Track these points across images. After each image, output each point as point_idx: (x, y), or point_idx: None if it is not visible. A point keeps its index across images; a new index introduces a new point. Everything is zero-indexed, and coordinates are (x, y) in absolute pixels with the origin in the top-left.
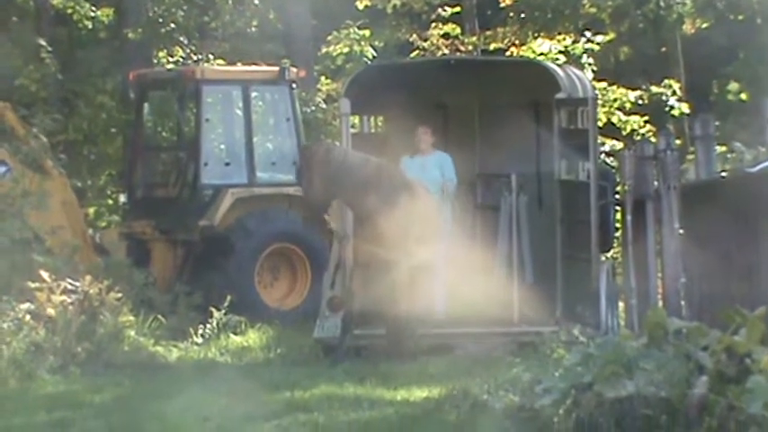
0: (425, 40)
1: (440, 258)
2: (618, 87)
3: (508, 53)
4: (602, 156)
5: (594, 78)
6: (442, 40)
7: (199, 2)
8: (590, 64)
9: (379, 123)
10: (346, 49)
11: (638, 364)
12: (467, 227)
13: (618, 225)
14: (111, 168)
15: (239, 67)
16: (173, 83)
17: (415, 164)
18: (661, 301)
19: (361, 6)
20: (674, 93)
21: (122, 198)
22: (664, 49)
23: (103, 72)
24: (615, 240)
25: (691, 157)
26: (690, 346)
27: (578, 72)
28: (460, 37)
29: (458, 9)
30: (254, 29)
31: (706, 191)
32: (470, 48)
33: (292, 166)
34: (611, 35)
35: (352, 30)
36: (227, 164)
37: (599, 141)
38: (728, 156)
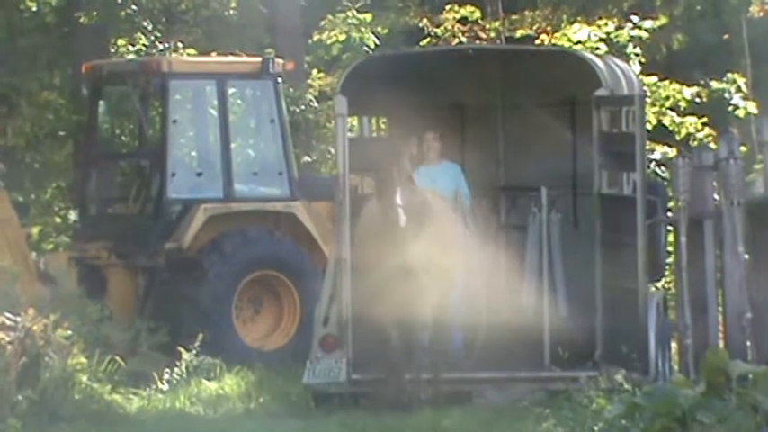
0: (438, 26)
1: (455, 290)
2: (670, 83)
3: (538, 41)
4: (652, 165)
5: (642, 72)
6: (458, 26)
7: None
8: (637, 54)
9: (382, 126)
10: (343, 37)
11: (694, 417)
12: (488, 250)
13: (670, 249)
14: (58, 180)
15: (214, 57)
16: (134, 77)
17: (422, 175)
18: (722, 341)
19: None
20: (738, 89)
21: (72, 215)
22: (726, 36)
23: (50, 64)
24: (667, 267)
25: (758, 166)
26: (757, 394)
27: (623, 64)
28: (481, 22)
29: None
30: (232, 12)
31: None
32: (492, 35)
33: (278, 177)
34: (663, 20)
35: (350, 13)
36: (199, 174)
37: (648, 148)
38: None
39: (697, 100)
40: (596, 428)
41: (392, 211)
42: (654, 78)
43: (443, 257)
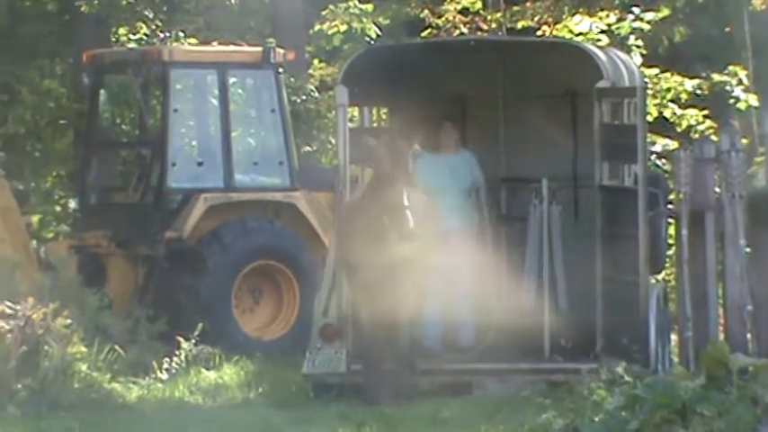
0: (440, 17)
1: (465, 278)
2: (672, 75)
3: (539, 33)
4: (653, 157)
5: (644, 64)
6: (459, 17)
7: None
8: (638, 47)
9: (383, 116)
10: (344, 27)
11: (694, 409)
12: (489, 241)
13: (671, 241)
14: (59, 168)
15: (215, 47)
16: (135, 66)
17: (440, 162)
18: (722, 334)
19: None
20: (739, 82)
21: (73, 204)
22: (728, 28)
23: (51, 52)
24: (668, 259)
25: (760, 159)
26: (757, 387)
27: (624, 56)
28: (482, 13)
29: None
30: (233, 1)
31: None
32: (494, 26)
33: (278, 167)
34: (665, 12)
35: (351, 3)
36: (200, 164)
37: (649, 140)
38: None
39: (698, 92)
40: (596, 420)
41: (401, 214)
42: (655, 70)
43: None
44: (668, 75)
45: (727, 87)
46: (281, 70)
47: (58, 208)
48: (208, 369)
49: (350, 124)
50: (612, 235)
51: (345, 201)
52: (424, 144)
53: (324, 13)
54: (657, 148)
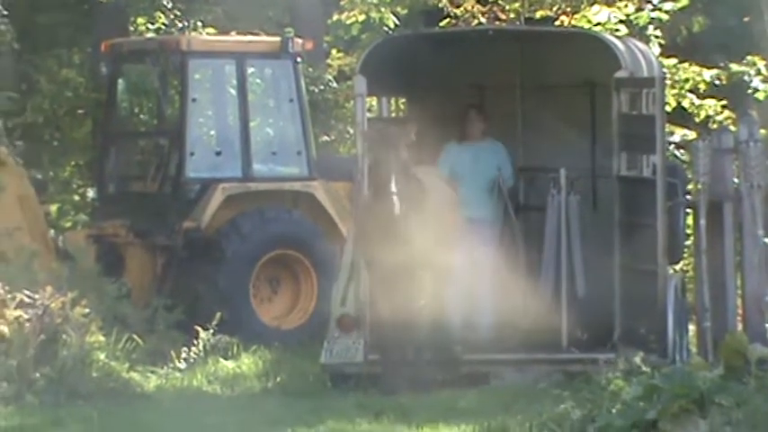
0: (458, 7)
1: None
2: (690, 65)
3: (557, 22)
4: (671, 147)
5: (662, 54)
6: (478, 7)
7: None
8: (657, 36)
9: (401, 106)
10: (362, 17)
11: (712, 400)
12: (506, 231)
13: (689, 231)
14: (77, 157)
15: (233, 36)
16: (153, 55)
17: (464, 151)
18: (741, 324)
19: None
20: (758, 72)
21: (91, 193)
22: (746, 18)
23: (69, 41)
24: (686, 249)
25: None
26: None
27: (643, 46)
28: (500, 2)
29: None
30: None
31: None
32: (512, 16)
33: (296, 157)
34: (683, 1)
35: None
36: (218, 153)
37: (667, 130)
38: None
39: (717, 82)
40: (614, 410)
41: (387, 199)
42: (674, 60)
43: (439, 246)
44: (687, 65)
45: (746, 77)
46: (299, 60)
47: (76, 197)
48: (226, 358)
49: (368, 114)
50: (631, 225)
51: (363, 194)
52: (448, 134)
53: (342, 2)
54: (676, 138)
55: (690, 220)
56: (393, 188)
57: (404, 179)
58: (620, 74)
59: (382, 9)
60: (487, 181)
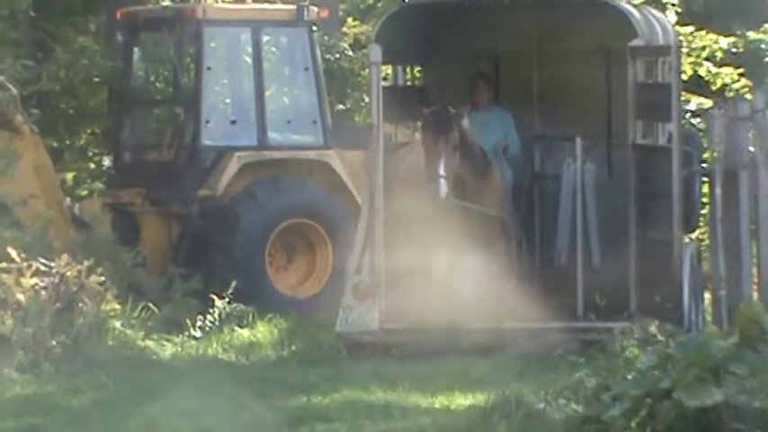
0: None
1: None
2: (707, 33)
3: None
4: (687, 116)
5: (678, 22)
6: None
7: None
8: (673, 5)
9: (417, 74)
10: None
11: (727, 368)
12: (522, 200)
13: (705, 200)
14: (93, 126)
15: (249, 5)
16: (169, 23)
17: (474, 120)
18: (756, 293)
19: None
20: None
21: (107, 161)
22: None
23: (85, 9)
24: (701, 218)
25: None
26: None
27: (659, 14)
28: None
29: None
30: None
31: None
32: None
33: (312, 126)
34: None
35: None
36: (233, 122)
37: (683, 98)
38: None
39: (733, 50)
40: (629, 378)
41: (433, 182)
42: (690, 28)
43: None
44: (703, 33)
45: (763, 45)
46: (314, 28)
47: (92, 165)
48: (241, 327)
49: (383, 82)
50: (646, 194)
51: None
52: (464, 102)
53: None
54: (692, 106)
55: (705, 189)
56: (442, 171)
57: (467, 149)
58: (636, 42)
59: None
60: (494, 149)
